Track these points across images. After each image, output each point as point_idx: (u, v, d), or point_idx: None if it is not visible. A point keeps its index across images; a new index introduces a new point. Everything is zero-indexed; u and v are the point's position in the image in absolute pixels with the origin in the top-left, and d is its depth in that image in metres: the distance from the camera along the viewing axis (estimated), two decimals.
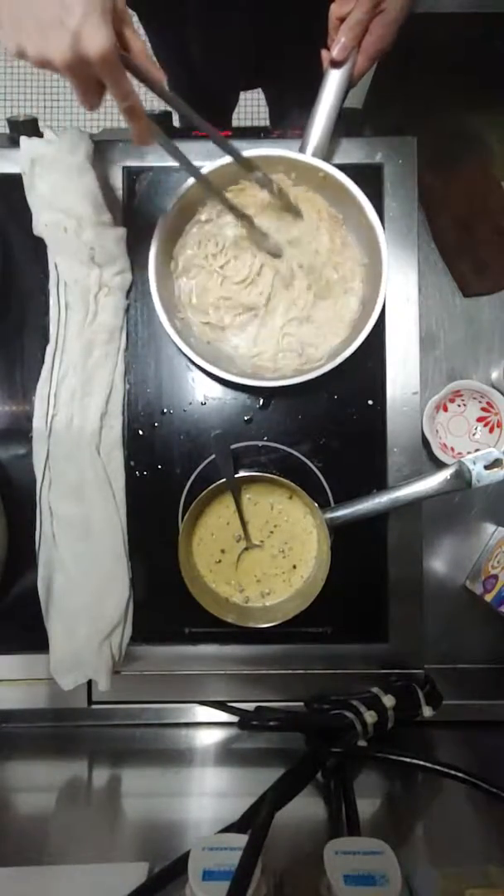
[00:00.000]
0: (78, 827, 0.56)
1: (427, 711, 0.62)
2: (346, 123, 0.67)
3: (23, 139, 0.60)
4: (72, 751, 0.67)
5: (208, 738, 0.67)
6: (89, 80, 0.45)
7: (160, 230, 0.62)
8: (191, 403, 0.67)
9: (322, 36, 0.61)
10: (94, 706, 0.67)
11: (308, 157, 0.62)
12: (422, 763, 0.54)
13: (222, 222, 0.65)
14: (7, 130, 0.65)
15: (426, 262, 0.72)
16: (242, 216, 0.61)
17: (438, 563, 0.73)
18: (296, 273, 0.64)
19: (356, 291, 0.66)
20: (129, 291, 0.65)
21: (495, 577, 0.67)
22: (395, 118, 0.78)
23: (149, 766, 0.66)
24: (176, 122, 0.71)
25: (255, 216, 0.63)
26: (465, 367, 0.73)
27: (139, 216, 0.65)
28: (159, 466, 0.67)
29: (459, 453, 0.72)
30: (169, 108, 0.70)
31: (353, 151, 0.67)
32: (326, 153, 0.63)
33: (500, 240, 0.73)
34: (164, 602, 0.65)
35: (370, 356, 0.66)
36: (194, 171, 0.58)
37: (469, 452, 0.65)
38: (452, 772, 0.52)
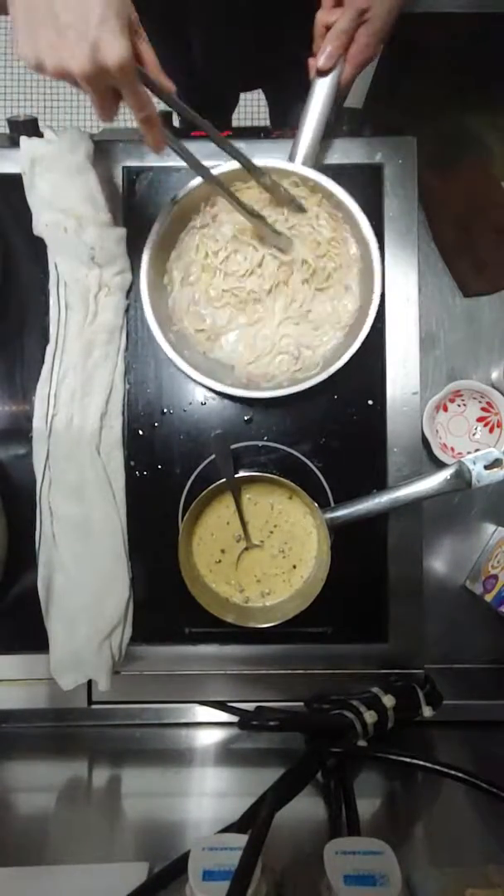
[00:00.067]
0: (78, 827, 0.56)
1: (427, 711, 0.62)
2: (345, 123, 0.67)
3: (23, 139, 0.60)
4: (72, 751, 0.67)
5: (208, 738, 0.67)
6: (106, 90, 0.46)
7: (150, 246, 0.62)
8: (191, 403, 0.67)
9: None
10: (94, 706, 0.67)
11: (297, 167, 0.62)
12: (422, 763, 0.54)
13: (218, 223, 0.65)
14: (7, 130, 0.65)
15: (426, 262, 0.72)
16: (254, 215, 0.61)
17: (438, 563, 0.73)
18: (296, 264, 0.64)
19: (353, 292, 0.66)
20: (129, 291, 0.65)
21: (495, 577, 0.67)
22: (395, 118, 0.78)
23: (149, 766, 0.66)
24: (176, 123, 0.72)
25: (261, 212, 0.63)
26: (465, 367, 0.73)
27: (139, 216, 0.65)
28: (159, 466, 0.67)
29: (459, 453, 0.72)
30: (169, 109, 0.70)
31: (353, 151, 0.67)
32: (315, 161, 0.63)
33: (499, 239, 0.73)
34: (164, 602, 0.65)
35: (370, 356, 0.66)
36: (206, 173, 0.59)
37: (469, 452, 0.65)
38: (452, 772, 0.52)
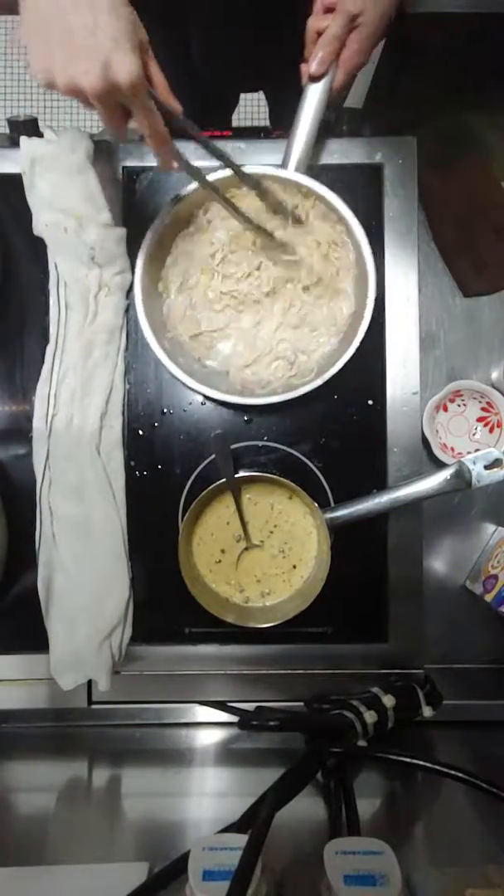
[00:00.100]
0: (78, 827, 0.56)
1: (427, 711, 0.62)
2: (345, 123, 0.67)
3: (23, 139, 0.60)
4: (72, 751, 0.67)
5: (208, 738, 0.67)
6: (117, 107, 0.47)
7: (143, 254, 0.62)
8: (191, 403, 0.67)
9: None
10: (94, 706, 0.67)
11: (290, 173, 0.62)
12: (422, 763, 0.54)
13: (213, 228, 0.65)
14: (7, 130, 0.65)
15: (426, 262, 0.72)
16: (259, 230, 0.62)
17: (438, 563, 0.73)
18: (296, 269, 0.64)
19: (348, 295, 0.66)
20: (129, 291, 0.65)
21: (495, 577, 0.67)
22: (395, 118, 0.78)
23: (149, 766, 0.66)
24: None
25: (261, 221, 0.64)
26: (465, 367, 0.73)
27: (139, 216, 0.64)
28: (159, 466, 0.67)
29: (459, 453, 0.71)
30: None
31: (353, 151, 0.67)
32: (310, 165, 0.63)
33: (499, 239, 0.73)
34: (164, 602, 0.65)
35: (370, 356, 0.66)
36: (214, 189, 0.60)
37: (469, 452, 0.65)
38: (452, 772, 0.52)
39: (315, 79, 0.60)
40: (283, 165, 0.63)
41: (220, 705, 0.67)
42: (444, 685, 0.65)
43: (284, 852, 0.48)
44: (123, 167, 0.67)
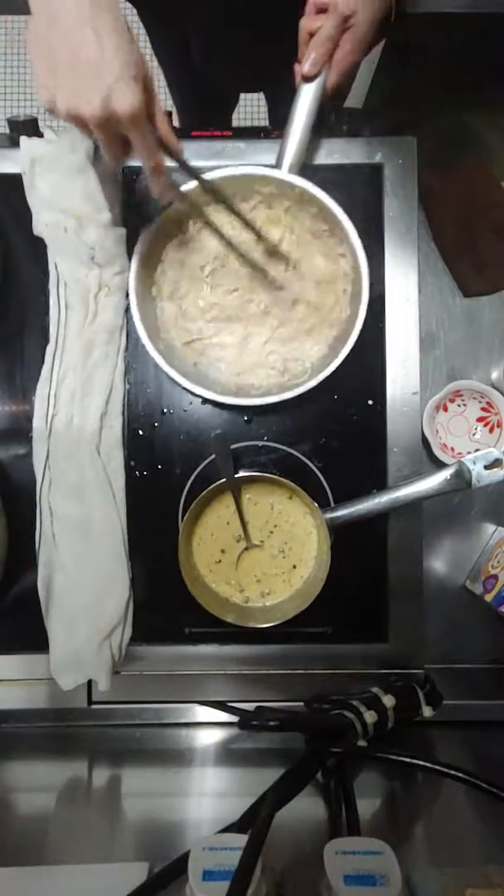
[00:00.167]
0: (78, 827, 0.56)
1: (427, 711, 0.62)
2: (345, 123, 0.67)
3: (23, 139, 0.60)
4: (72, 751, 0.67)
5: (208, 738, 0.67)
6: (116, 136, 0.48)
7: (137, 258, 0.62)
8: (191, 403, 0.67)
9: None
10: (94, 706, 0.67)
11: (284, 174, 0.62)
12: (422, 763, 0.54)
13: (204, 237, 0.65)
14: (7, 130, 0.65)
15: (426, 262, 0.72)
16: (254, 266, 0.63)
17: (438, 563, 0.73)
18: (286, 293, 0.65)
19: (342, 302, 0.66)
20: (128, 291, 0.65)
21: (495, 577, 0.67)
22: (395, 118, 0.78)
23: (149, 766, 0.66)
24: (176, 123, 0.72)
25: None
26: (465, 367, 0.73)
27: (139, 216, 0.64)
28: (159, 466, 0.67)
29: (459, 453, 0.72)
30: (169, 109, 0.70)
31: (353, 151, 0.67)
32: (303, 166, 0.63)
33: (499, 239, 0.73)
34: (164, 602, 0.65)
35: (370, 356, 0.66)
36: (211, 224, 0.61)
37: (469, 452, 0.65)
38: (452, 772, 0.52)
39: (308, 79, 0.60)
40: (277, 166, 0.62)
41: (220, 705, 0.67)
42: (444, 685, 0.65)
43: (284, 852, 0.48)
44: (123, 167, 0.67)
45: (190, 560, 0.64)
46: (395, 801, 0.61)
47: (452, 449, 0.72)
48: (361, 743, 0.59)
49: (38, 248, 0.64)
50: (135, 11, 0.82)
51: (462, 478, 0.61)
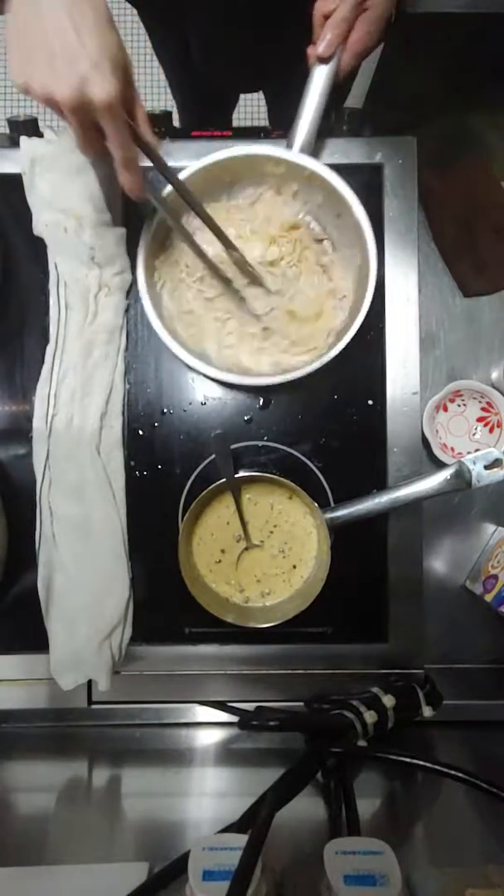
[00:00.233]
0: (78, 827, 0.56)
1: (427, 711, 0.62)
2: (346, 123, 0.67)
3: (23, 139, 0.60)
4: (72, 751, 0.67)
5: (208, 738, 0.67)
6: (90, 125, 0.47)
7: (143, 244, 0.62)
8: (191, 403, 0.67)
9: None
10: (94, 706, 0.67)
11: (294, 155, 0.62)
12: (422, 763, 0.54)
13: (199, 239, 0.65)
14: (7, 130, 0.65)
15: (426, 262, 0.72)
16: (216, 269, 0.63)
17: (438, 563, 0.73)
18: (272, 313, 0.65)
19: (346, 299, 0.65)
20: (129, 291, 0.65)
21: (495, 577, 0.67)
22: (395, 118, 0.78)
23: (149, 766, 0.66)
24: (176, 123, 0.71)
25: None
26: (465, 367, 0.73)
27: (139, 216, 0.64)
28: (159, 466, 0.67)
29: (459, 453, 0.72)
30: (169, 109, 0.70)
31: (353, 151, 0.67)
32: (314, 150, 0.63)
33: (499, 239, 0.73)
34: (164, 602, 0.65)
35: (370, 356, 0.66)
36: (184, 233, 0.60)
37: (469, 452, 0.65)
38: (452, 772, 0.52)
39: (322, 60, 0.60)
40: (288, 147, 0.62)
41: (220, 705, 0.67)
42: (444, 685, 0.65)
43: (284, 852, 0.48)
44: None
45: (190, 560, 0.64)
46: (395, 801, 0.61)
47: (452, 449, 0.72)
48: (361, 743, 0.59)
49: (38, 248, 0.64)
50: (135, 12, 0.82)
51: (462, 478, 0.61)
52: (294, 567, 0.66)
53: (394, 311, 0.67)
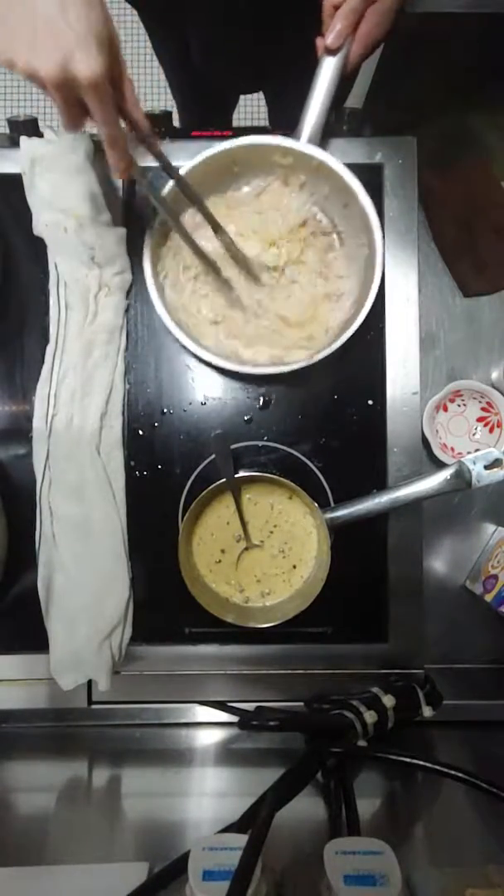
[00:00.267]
0: (78, 827, 0.56)
1: (427, 711, 0.62)
2: (346, 123, 0.67)
3: (23, 139, 0.60)
4: (72, 751, 0.67)
5: (208, 738, 0.67)
6: (74, 102, 0.46)
7: (150, 233, 0.62)
8: (191, 403, 0.67)
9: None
10: (94, 706, 0.67)
11: (303, 145, 0.62)
12: (422, 763, 0.54)
13: (198, 235, 0.65)
14: (7, 130, 0.65)
15: (426, 262, 0.72)
16: (213, 267, 0.62)
17: (438, 563, 0.73)
18: (265, 315, 0.65)
19: (346, 301, 0.65)
20: (129, 291, 0.65)
21: (495, 577, 0.67)
22: (395, 118, 0.78)
23: (149, 766, 0.66)
24: (176, 123, 0.71)
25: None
26: (465, 367, 0.73)
27: (139, 216, 0.65)
28: (159, 466, 0.67)
29: (459, 453, 0.72)
30: (169, 109, 0.70)
31: (353, 151, 0.67)
32: (321, 141, 0.63)
33: (499, 240, 0.73)
34: (164, 602, 0.65)
35: (370, 356, 0.66)
36: (172, 215, 0.59)
37: (469, 452, 0.65)
38: (452, 772, 0.52)
39: (331, 51, 0.60)
40: (297, 137, 0.62)
41: (220, 705, 0.67)
42: (444, 685, 0.65)
43: (284, 852, 0.48)
44: None
45: (190, 560, 0.64)
46: (395, 801, 0.61)
47: (452, 449, 0.72)
48: (361, 743, 0.59)
49: (38, 248, 0.64)
50: (135, 12, 0.82)
51: (462, 478, 0.61)
52: (294, 567, 0.66)
53: (394, 311, 0.67)
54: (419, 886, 0.44)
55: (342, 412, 0.67)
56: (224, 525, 0.65)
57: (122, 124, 0.51)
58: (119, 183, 0.67)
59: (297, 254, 0.65)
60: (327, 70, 0.61)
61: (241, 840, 0.41)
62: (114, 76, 0.46)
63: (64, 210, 0.60)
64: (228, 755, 0.66)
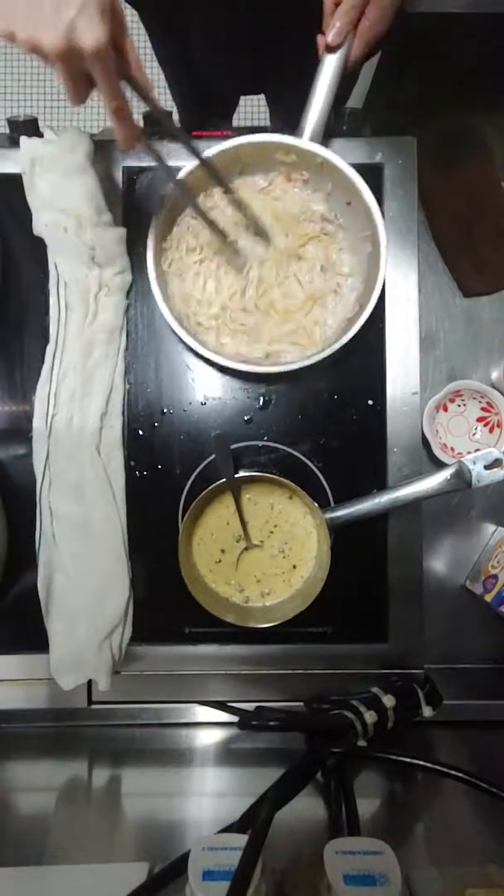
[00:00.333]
0: (78, 827, 0.56)
1: (427, 711, 0.62)
2: (346, 123, 0.67)
3: (23, 139, 0.60)
4: (72, 751, 0.67)
5: (208, 738, 0.67)
6: (78, 73, 0.45)
7: (154, 226, 0.62)
8: (191, 403, 0.67)
9: None
10: (94, 706, 0.67)
11: (305, 143, 0.62)
12: (422, 763, 0.54)
13: (196, 228, 0.65)
14: (7, 130, 0.65)
15: (426, 262, 0.72)
16: (218, 231, 0.62)
17: (438, 563, 0.73)
18: (275, 288, 0.65)
19: (349, 295, 0.65)
20: (129, 291, 0.65)
21: (495, 577, 0.67)
22: (395, 118, 0.78)
23: (149, 766, 0.66)
24: (177, 122, 0.71)
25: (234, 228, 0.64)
26: (465, 367, 0.73)
27: (139, 216, 0.64)
28: (159, 466, 0.67)
29: (459, 453, 0.72)
30: (169, 109, 0.70)
31: (353, 151, 0.67)
32: (323, 139, 0.63)
33: (499, 240, 0.73)
34: (164, 602, 0.65)
35: (370, 356, 0.66)
36: (176, 181, 0.60)
37: (469, 452, 0.65)
38: (452, 772, 0.52)
39: (332, 49, 0.59)
40: (299, 135, 0.62)
41: (220, 705, 0.67)
42: (444, 685, 0.65)
43: (284, 852, 0.48)
44: (123, 167, 0.67)
45: (190, 560, 0.64)
46: (395, 801, 0.61)
47: (452, 449, 0.72)
48: (361, 743, 0.59)
49: (38, 248, 0.64)
50: (135, 13, 0.82)
51: (462, 478, 0.61)
52: (294, 567, 0.66)
53: (394, 311, 0.67)
54: (419, 886, 0.44)
55: (342, 412, 0.67)
56: (224, 525, 0.65)
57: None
58: (119, 183, 0.67)
59: (298, 245, 0.65)
60: (329, 68, 0.61)
61: (241, 840, 0.41)
62: (116, 42, 0.46)
63: (64, 210, 0.60)
64: (228, 755, 0.66)
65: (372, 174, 0.67)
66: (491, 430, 0.72)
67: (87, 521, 0.64)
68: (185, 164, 0.60)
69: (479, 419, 0.73)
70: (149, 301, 0.62)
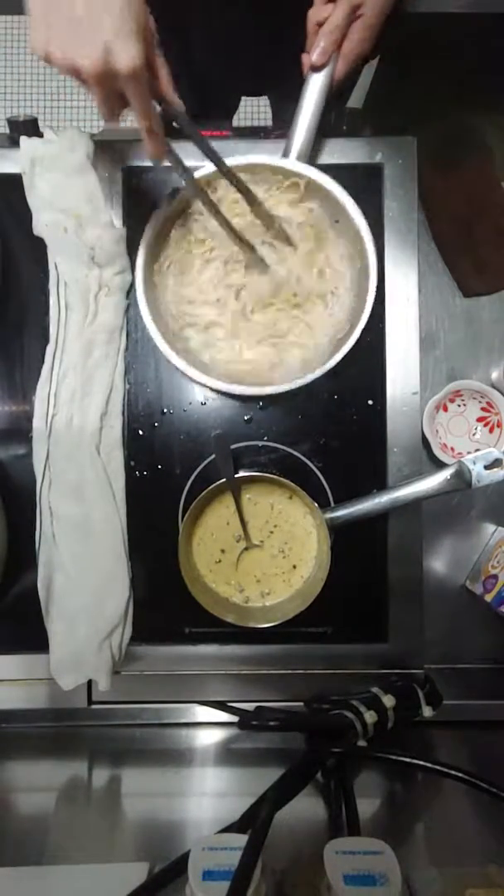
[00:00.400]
0: (78, 827, 0.56)
1: (427, 711, 0.62)
2: (345, 123, 0.67)
3: (23, 139, 0.60)
4: (72, 751, 0.67)
5: (208, 738, 0.67)
6: (113, 93, 0.46)
7: (145, 243, 0.62)
8: (191, 403, 0.67)
9: None
10: (94, 706, 0.67)
11: (291, 163, 0.62)
12: (422, 763, 0.54)
13: (206, 217, 0.64)
14: (7, 130, 0.65)
15: (426, 262, 0.72)
16: (242, 241, 0.62)
17: (438, 563, 0.73)
18: (281, 286, 0.65)
19: (345, 298, 0.65)
20: (129, 291, 0.65)
21: (495, 577, 0.67)
22: (395, 118, 0.78)
23: (149, 766, 0.66)
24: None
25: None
26: (465, 367, 0.73)
27: (139, 216, 0.64)
28: (159, 466, 0.67)
29: (459, 453, 0.72)
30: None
31: (353, 151, 0.67)
32: (313, 151, 0.63)
33: (500, 240, 0.73)
34: (164, 602, 0.65)
35: (370, 356, 0.66)
36: (202, 191, 0.60)
37: (469, 452, 0.65)
38: (452, 772, 0.52)
39: (316, 69, 0.60)
40: (285, 156, 0.62)
41: (220, 705, 0.67)
42: (444, 685, 0.65)
43: (284, 852, 0.48)
44: (123, 167, 0.67)
45: (190, 560, 0.64)
46: (395, 801, 0.61)
47: (452, 449, 0.72)
48: (361, 743, 0.59)
49: (38, 248, 0.64)
50: None
51: (462, 478, 0.61)
52: (294, 567, 0.66)
53: (394, 311, 0.67)
54: (419, 886, 0.44)
55: (342, 412, 0.67)
56: (224, 525, 0.65)
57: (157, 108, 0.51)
58: (119, 183, 0.67)
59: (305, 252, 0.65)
60: (314, 87, 0.61)
61: (241, 840, 0.41)
62: (148, 59, 0.46)
63: (64, 210, 0.60)
64: (228, 755, 0.66)
65: (372, 174, 0.67)
66: (491, 430, 0.72)
67: (87, 521, 0.64)
68: (195, 164, 0.60)
69: (479, 419, 0.73)
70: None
